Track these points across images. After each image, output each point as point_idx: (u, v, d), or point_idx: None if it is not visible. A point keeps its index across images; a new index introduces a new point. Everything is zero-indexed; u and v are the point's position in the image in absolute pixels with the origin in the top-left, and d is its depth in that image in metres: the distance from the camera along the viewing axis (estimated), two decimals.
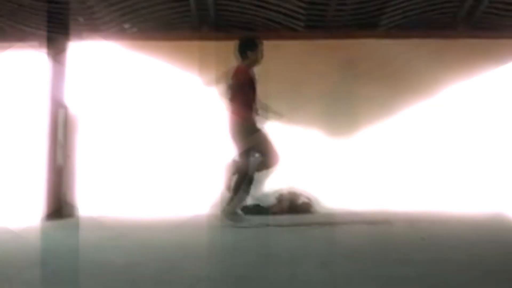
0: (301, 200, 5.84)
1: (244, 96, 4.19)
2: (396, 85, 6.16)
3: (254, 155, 4.22)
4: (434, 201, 5.92)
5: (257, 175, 4.25)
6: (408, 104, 6.18)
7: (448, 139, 6.14)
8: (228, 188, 4.16)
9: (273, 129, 5.97)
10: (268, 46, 6.13)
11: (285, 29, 6.27)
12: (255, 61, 4.36)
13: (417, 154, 6.12)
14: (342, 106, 6.12)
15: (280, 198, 5.82)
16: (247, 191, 4.20)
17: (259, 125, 4.29)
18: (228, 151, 4.29)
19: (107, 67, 6.22)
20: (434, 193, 6.00)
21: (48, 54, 5.91)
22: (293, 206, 5.74)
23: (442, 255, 2.57)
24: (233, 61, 6.10)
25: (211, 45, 6.08)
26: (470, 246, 2.89)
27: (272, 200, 5.82)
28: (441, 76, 6.17)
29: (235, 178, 4.16)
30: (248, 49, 4.33)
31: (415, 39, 6.22)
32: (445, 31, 6.23)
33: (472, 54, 6.19)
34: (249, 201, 5.22)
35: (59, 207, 5.74)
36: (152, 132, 6.10)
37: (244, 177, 4.13)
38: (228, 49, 6.08)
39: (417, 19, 6.19)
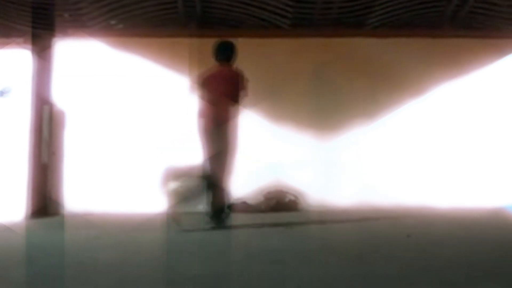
0: (288, 198, 5.85)
1: (220, 97, 4.12)
2: (383, 83, 6.20)
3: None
4: (423, 197, 5.96)
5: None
6: (395, 102, 6.22)
7: (434, 137, 6.19)
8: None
9: (259, 128, 6.07)
10: (255, 44, 6.20)
11: (272, 27, 6.26)
12: (230, 64, 4.35)
13: (403, 150, 6.16)
14: (328, 104, 6.14)
15: (267, 196, 5.83)
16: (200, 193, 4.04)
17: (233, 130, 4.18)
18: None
19: (92, 63, 6.16)
20: (424, 189, 6.04)
21: (33, 50, 5.84)
22: (280, 204, 5.76)
23: (427, 252, 2.59)
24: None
25: (198, 42, 6.06)
26: (457, 243, 2.92)
27: (259, 198, 5.83)
28: (428, 74, 6.22)
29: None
30: (233, 54, 4.36)
31: (402, 38, 6.27)
32: (432, 30, 6.28)
33: (458, 53, 6.26)
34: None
35: (44, 204, 5.69)
36: (137, 129, 6.06)
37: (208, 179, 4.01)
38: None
39: (404, 18, 6.22)
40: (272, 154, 6.04)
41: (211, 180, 4.01)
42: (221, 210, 4.03)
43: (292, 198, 5.86)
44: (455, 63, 6.25)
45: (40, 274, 2.17)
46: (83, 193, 5.88)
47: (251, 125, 6.09)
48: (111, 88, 6.13)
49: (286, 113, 6.14)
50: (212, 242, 3.32)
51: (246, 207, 5.72)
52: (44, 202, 5.71)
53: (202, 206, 4.07)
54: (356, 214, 5.13)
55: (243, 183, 5.88)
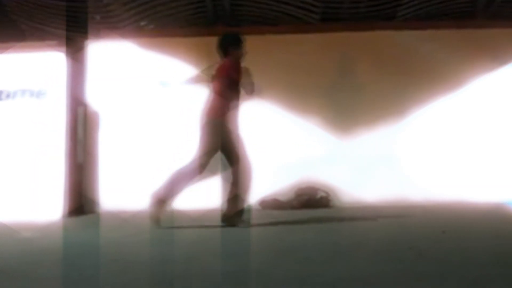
0: (320, 194, 5.83)
1: (224, 91, 4.00)
2: (415, 77, 6.08)
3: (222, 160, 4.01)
4: (457, 192, 5.84)
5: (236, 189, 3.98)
6: (428, 96, 6.09)
7: (469, 131, 6.04)
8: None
9: (290, 124, 6.06)
10: (284, 40, 6.19)
11: (301, 23, 6.23)
12: (238, 58, 4.16)
13: (435, 145, 6.04)
14: (359, 99, 6.07)
15: (299, 192, 5.81)
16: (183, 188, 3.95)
17: (233, 127, 4.03)
18: None
19: (124, 64, 6.26)
20: (458, 183, 5.91)
21: (67, 52, 5.97)
22: (311, 200, 5.74)
23: (464, 250, 2.54)
24: (248, 56, 6.17)
25: None
26: (495, 239, 2.86)
27: (290, 195, 5.82)
28: (461, 67, 6.07)
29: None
30: (231, 46, 4.15)
31: (433, 30, 6.13)
32: (464, 21, 6.13)
33: (491, 44, 6.08)
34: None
35: (80, 203, 5.83)
36: (170, 128, 6.13)
37: (196, 175, 3.93)
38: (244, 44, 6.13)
39: (435, 9, 6.10)
40: (303, 151, 6.02)
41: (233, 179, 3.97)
42: (239, 212, 3.99)
43: (324, 194, 5.83)
44: (488, 55, 6.07)
45: (76, 272, 2.23)
46: (118, 192, 5.98)
47: (281, 121, 6.10)
48: (143, 88, 6.22)
49: (317, 109, 6.10)
50: (243, 239, 3.34)
51: (277, 204, 5.73)
52: (80, 201, 5.85)
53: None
54: (389, 210, 5.07)
55: (274, 179, 5.91)
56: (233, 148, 3.98)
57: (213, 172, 4.05)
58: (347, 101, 6.08)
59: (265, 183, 5.87)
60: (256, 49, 6.15)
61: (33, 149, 5.91)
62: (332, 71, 6.16)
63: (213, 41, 6.01)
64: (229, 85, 4.01)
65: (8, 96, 6.04)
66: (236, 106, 4.08)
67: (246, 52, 4.22)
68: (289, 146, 6.04)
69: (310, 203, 5.70)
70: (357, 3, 6.01)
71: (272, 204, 5.73)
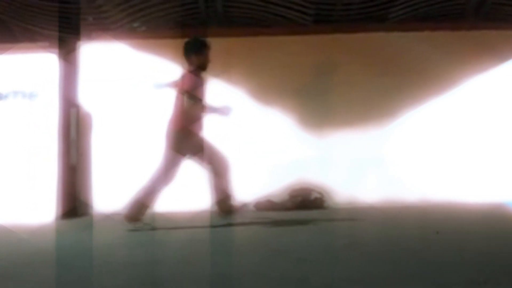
0: (314, 195, 5.84)
1: (182, 104, 3.99)
2: (407, 78, 6.11)
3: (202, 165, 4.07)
4: (451, 192, 5.87)
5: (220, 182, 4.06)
6: (420, 98, 6.12)
7: (463, 132, 6.07)
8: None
9: (283, 125, 6.07)
10: (276, 42, 6.20)
11: (294, 24, 6.24)
12: (201, 66, 4.09)
13: (429, 146, 6.08)
14: (353, 100, 6.08)
15: (292, 193, 5.82)
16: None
17: (198, 134, 4.07)
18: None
19: (117, 66, 6.24)
20: (452, 184, 5.95)
21: (59, 54, 5.95)
22: (305, 201, 5.75)
23: (458, 250, 2.56)
24: (241, 57, 6.18)
25: (219, 41, 6.08)
26: (487, 240, 2.88)
27: (284, 196, 5.83)
28: (453, 68, 6.11)
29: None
30: (193, 52, 4.08)
31: (425, 32, 6.16)
32: (456, 23, 6.17)
33: (483, 46, 6.11)
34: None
35: (73, 205, 5.80)
36: (161, 129, 6.11)
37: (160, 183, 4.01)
38: (237, 45, 6.15)
39: (427, 11, 6.14)
40: (296, 152, 6.03)
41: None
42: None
43: (318, 195, 5.84)
44: (480, 57, 6.12)
45: (69, 274, 2.22)
46: (111, 194, 5.96)
47: (274, 122, 6.11)
48: (135, 89, 6.20)
49: (310, 110, 6.12)
50: (236, 240, 3.34)
51: (271, 205, 5.73)
52: (73, 203, 5.82)
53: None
54: (383, 211, 5.10)
55: (268, 181, 5.92)
56: (204, 151, 4.01)
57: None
58: (340, 102, 6.09)
59: (259, 184, 5.89)
60: (249, 51, 6.21)
61: (26, 150, 5.87)
62: (324, 73, 6.16)
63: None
64: (189, 98, 3.95)
65: (0, 97, 6.00)
66: (199, 116, 4.06)
67: (208, 60, 4.14)
68: (282, 147, 6.04)
69: (304, 204, 5.72)
70: (349, 5, 6.03)
71: (266, 206, 5.73)
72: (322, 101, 6.11)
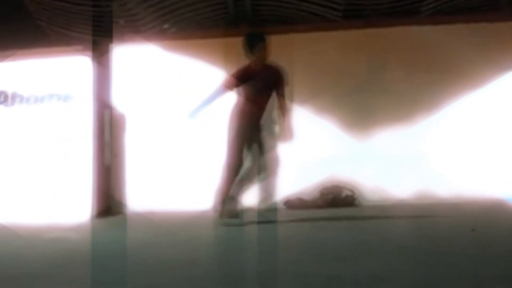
0: (345, 193, 5.79)
1: (245, 94, 4.10)
2: (441, 72, 5.97)
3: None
4: (487, 188, 5.71)
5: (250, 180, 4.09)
6: (455, 93, 5.98)
7: (498, 128, 5.90)
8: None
9: (314, 123, 6.03)
10: (306, 39, 6.16)
11: (324, 21, 6.20)
12: (261, 58, 4.16)
13: (464, 142, 5.93)
14: (384, 96, 6.00)
15: (323, 191, 5.78)
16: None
17: (259, 130, 4.15)
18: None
19: (149, 67, 6.32)
20: (487, 180, 5.78)
21: (92, 57, 6.08)
22: (336, 199, 5.70)
23: (491, 248, 2.50)
24: (272, 56, 6.16)
25: None
26: None
27: (315, 194, 5.80)
28: (486, 62, 5.93)
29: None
30: (252, 45, 4.15)
31: (458, 24, 6.01)
32: (489, 14, 6.00)
33: None
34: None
35: (108, 205, 5.93)
36: (195, 129, 6.16)
37: (231, 173, 4.02)
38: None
39: (460, 3, 5.99)
40: (327, 149, 5.99)
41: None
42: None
43: (349, 193, 5.79)
44: None
45: (105, 273, 2.26)
46: (145, 193, 6.06)
47: (305, 120, 6.08)
48: (167, 90, 6.27)
49: (342, 107, 6.06)
50: (269, 238, 3.34)
51: (302, 203, 5.71)
52: (108, 202, 5.95)
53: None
54: (416, 208, 5.01)
55: (299, 179, 5.90)
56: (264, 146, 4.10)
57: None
58: (372, 99, 6.01)
59: (290, 182, 5.87)
60: (279, 49, 6.17)
61: (62, 152, 6.02)
62: (355, 69, 6.10)
63: (235, 42, 6.07)
64: (252, 89, 4.07)
65: (36, 100, 6.17)
66: (259, 107, 4.12)
67: (267, 51, 4.21)
68: (313, 145, 6.01)
69: (335, 202, 5.67)
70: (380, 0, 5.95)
71: (296, 204, 5.71)
72: (354, 98, 6.04)
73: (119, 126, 6.22)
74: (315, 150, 5.98)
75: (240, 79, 4.10)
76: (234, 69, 5.93)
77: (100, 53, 6.13)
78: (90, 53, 6.09)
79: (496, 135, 5.89)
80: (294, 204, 5.72)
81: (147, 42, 6.31)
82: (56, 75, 6.20)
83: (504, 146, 5.85)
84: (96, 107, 6.03)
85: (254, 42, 4.16)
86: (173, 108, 6.20)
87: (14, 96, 6.20)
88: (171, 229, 3.96)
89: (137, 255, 2.76)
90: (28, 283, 2.11)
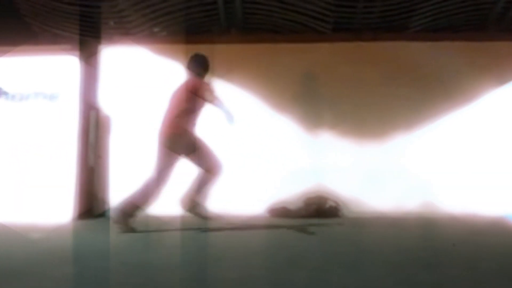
0: (329, 204, 5.82)
1: (178, 106, 4.29)
2: (426, 88, 6.07)
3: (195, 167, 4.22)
4: (468, 204, 5.80)
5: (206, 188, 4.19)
6: (439, 109, 6.07)
7: (481, 144, 6.00)
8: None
9: (299, 133, 6.07)
10: (295, 49, 6.21)
11: (313, 32, 6.25)
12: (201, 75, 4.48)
13: (446, 158, 6.02)
14: (370, 110, 6.06)
15: (308, 201, 5.80)
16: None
17: (193, 135, 4.27)
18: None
19: (137, 70, 6.30)
20: (469, 196, 5.86)
21: (80, 57, 6.04)
22: (320, 210, 5.73)
23: (472, 263, 2.53)
24: (260, 64, 6.20)
25: (239, 47, 6.14)
26: (504, 254, 2.85)
27: (299, 203, 5.82)
28: (472, 80, 6.05)
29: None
30: (199, 68, 4.46)
31: (446, 42, 6.11)
32: (476, 33, 6.12)
33: (504, 57, 6.06)
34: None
35: (91, 206, 5.87)
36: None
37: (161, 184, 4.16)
38: (256, 51, 6.17)
39: (447, 21, 6.10)
40: (312, 160, 6.03)
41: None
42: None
43: (333, 204, 5.82)
44: (500, 68, 6.06)
45: (84, 273, 2.25)
46: (128, 195, 5.99)
47: (291, 130, 6.11)
48: (154, 94, 6.25)
49: (328, 118, 6.11)
50: (249, 246, 3.35)
51: (286, 212, 5.72)
52: (91, 204, 5.89)
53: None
54: (398, 221, 5.06)
55: (283, 188, 5.92)
56: (197, 152, 4.18)
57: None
58: (358, 111, 6.07)
59: (274, 190, 5.90)
60: (268, 58, 6.22)
61: (45, 151, 5.95)
62: (343, 81, 6.15)
63: (225, 48, 6.11)
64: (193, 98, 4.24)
65: (21, 98, 6.10)
66: (195, 118, 4.29)
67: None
68: (298, 155, 6.04)
69: (319, 212, 5.70)
70: (369, 14, 6.03)
71: (280, 212, 5.73)
72: (340, 109, 6.09)
73: (104, 128, 6.18)
74: (300, 160, 6.01)
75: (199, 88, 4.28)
76: (221, 74, 5.98)
77: (88, 53, 6.10)
78: (78, 52, 6.05)
79: (479, 150, 5.99)
80: (277, 212, 5.74)
81: (136, 44, 6.28)
82: (43, 74, 6.13)
83: (486, 161, 5.95)
84: (82, 107, 5.99)
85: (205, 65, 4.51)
86: (158, 111, 6.18)
87: None
88: (152, 232, 3.94)
89: (117, 257, 2.75)
90: (6, 280, 2.10)
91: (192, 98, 4.20)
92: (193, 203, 4.12)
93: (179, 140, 4.17)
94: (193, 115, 4.26)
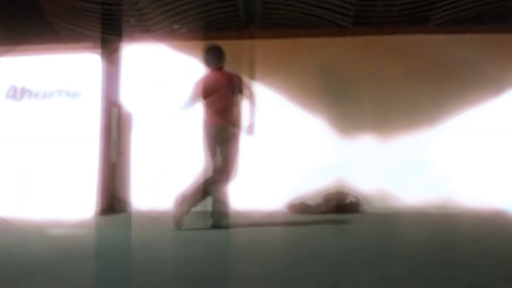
0: (349, 199, 5.77)
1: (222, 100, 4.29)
2: (449, 82, 5.96)
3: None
4: (492, 199, 5.68)
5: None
6: (462, 102, 5.96)
7: (506, 137, 5.87)
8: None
9: (320, 128, 6.03)
10: (316, 43, 6.16)
11: (333, 26, 6.19)
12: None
13: (470, 152, 5.90)
14: (392, 103, 5.98)
15: (327, 197, 5.77)
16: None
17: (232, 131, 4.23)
18: None
19: (157, 66, 6.34)
20: (494, 191, 5.75)
21: (102, 54, 6.11)
22: (340, 205, 5.69)
23: (494, 259, 2.48)
24: (280, 59, 6.18)
25: (259, 43, 6.12)
26: None
27: (319, 199, 5.78)
28: (495, 72, 5.92)
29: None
30: (217, 59, 4.45)
31: (468, 34, 5.99)
32: (499, 25, 5.98)
33: None
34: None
35: (112, 202, 5.95)
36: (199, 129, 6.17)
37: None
38: (276, 46, 6.15)
39: (469, 13, 5.98)
40: (333, 155, 5.99)
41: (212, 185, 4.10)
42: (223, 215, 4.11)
43: (353, 199, 5.77)
44: None
45: (107, 269, 2.28)
46: (149, 192, 6.06)
47: (312, 125, 6.08)
48: (175, 90, 6.28)
49: (348, 113, 6.05)
50: (271, 242, 3.35)
51: (305, 208, 5.70)
52: (112, 200, 5.97)
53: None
54: (420, 217, 5.00)
55: (303, 183, 5.89)
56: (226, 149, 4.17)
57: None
58: (379, 106, 6.00)
59: (294, 186, 5.88)
60: (288, 53, 6.20)
61: (68, 148, 6.04)
62: (365, 75, 6.08)
63: (245, 44, 6.10)
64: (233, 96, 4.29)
65: (45, 96, 6.20)
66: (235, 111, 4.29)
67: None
68: (319, 150, 6.01)
69: (339, 208, 5.66)
70: (390, 7, 5.94)
71: (300, 208, 5.71)
72: (361, 104, 6.03)
73: (126, 124, 6.25)
74: (321, 155, 5.98)
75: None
76: (242, 70, 5.97)
77: (109, 51, 6.17)
78: (99, 50, 6.11)
79: (504, 145, 5.86)
80: (297, 208, 5.72)
81: (156, 41, 6.33)
82: (66, 72, 6.21)
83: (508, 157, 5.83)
84: (104, 105, 6.06)
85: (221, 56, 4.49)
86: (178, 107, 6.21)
87: (23, 90, 6.23)
88: (172, 229, 3.96)
89: (138, 253, 2.77)
90: (30, 275, 2.13)
91: (236, 92, 4.26)
92: (184, 199, 4.09)
93: (226, 130, 4.18)
94: (238, 108, 4.30)
